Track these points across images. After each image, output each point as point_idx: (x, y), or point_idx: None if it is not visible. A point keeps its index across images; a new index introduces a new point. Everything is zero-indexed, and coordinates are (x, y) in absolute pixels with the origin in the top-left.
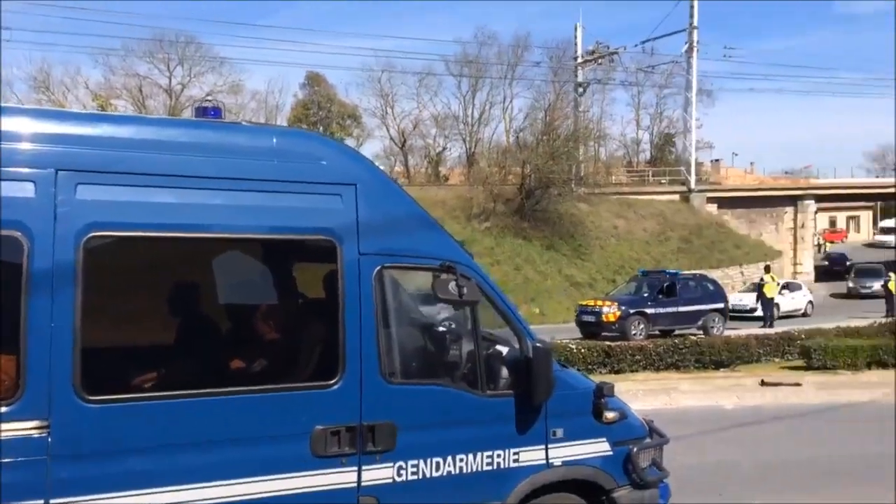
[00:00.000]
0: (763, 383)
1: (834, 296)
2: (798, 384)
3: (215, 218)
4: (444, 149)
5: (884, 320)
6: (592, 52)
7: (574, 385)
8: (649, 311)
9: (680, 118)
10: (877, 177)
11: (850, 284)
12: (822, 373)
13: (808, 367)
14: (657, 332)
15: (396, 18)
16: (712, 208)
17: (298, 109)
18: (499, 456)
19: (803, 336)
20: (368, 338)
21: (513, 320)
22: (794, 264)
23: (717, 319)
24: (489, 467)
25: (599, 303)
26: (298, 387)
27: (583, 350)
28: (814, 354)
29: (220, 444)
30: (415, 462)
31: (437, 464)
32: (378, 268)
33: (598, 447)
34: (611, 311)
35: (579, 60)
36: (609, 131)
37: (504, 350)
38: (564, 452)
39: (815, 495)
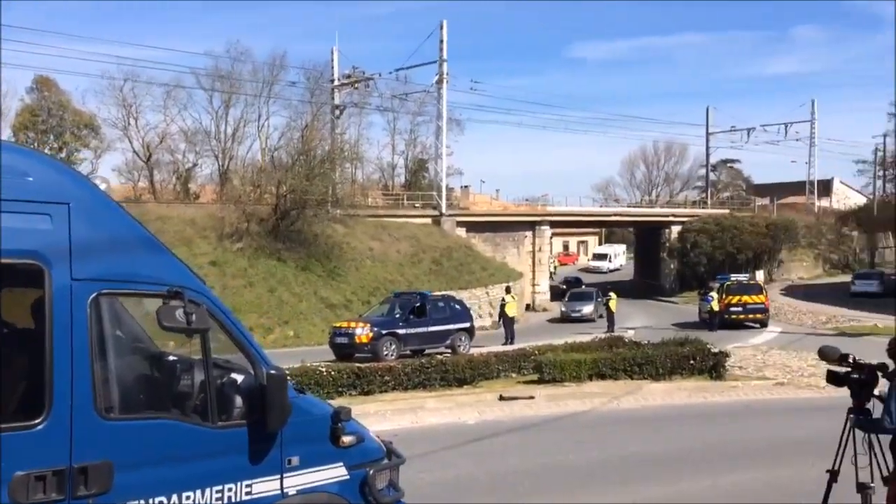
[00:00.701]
0: (501, 398)
1: (551, 321)
2: (532, 397)
3: None
4: (195, 165)
5: (604, 335)
6: (349, 77)
7: (310, 411)
8: (401, 331)
9: (432, 145)
10: (600, 206)
11: (563, 308)
12: (552, 385)
13: (540, 381)
14: (408, 353)
15: (141, 26)
16: (462, 232)
17: (25, 115)
18: (230, 490)
19: (537, 352)
20: (81, 371)
21: (247, 346)
22: (533, 285)
23: (463, 338)
24: (219, 503)
25: (353, 324)
26: None
27: (332, 373)
28: (545, 369)
29: None
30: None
31: (161, 503)
32: (94, 294)
33: (335, 472)
34: (363, 333)
35: (336, 83)
36: (366, 154)
37: (239, 378)
38: (300, 480)
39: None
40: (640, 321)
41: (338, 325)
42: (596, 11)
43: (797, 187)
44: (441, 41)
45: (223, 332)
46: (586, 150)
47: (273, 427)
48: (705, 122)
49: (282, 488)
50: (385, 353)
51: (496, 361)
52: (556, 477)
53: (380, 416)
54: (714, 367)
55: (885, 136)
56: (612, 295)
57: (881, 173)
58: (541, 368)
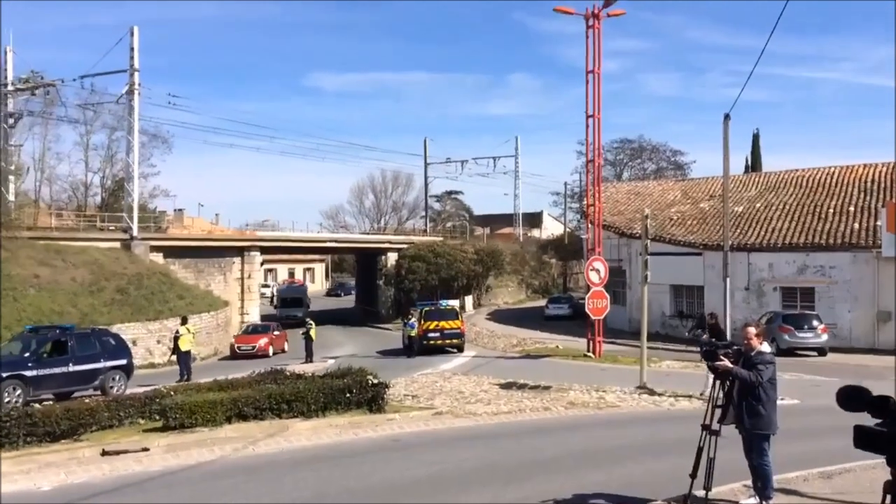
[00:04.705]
0: (104, 453)
1: None
2: (146, 449)
3: None
4: None
5: (300, 366)
6: (26, 81)
7: None
8: (30, 373)
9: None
10: (318, 232)
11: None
12: (181, 433)
13: (165, 428)
14: (48, 398)
15: None
16: (157, 257)
17: None
18: None
19: (172, 393)
20: None
21: None
22: (242, 314)
23: (117, 377)
24: None
25: None
26: None
27: None
28: (170, 413)
29: None
30: None
31: None
32: None
33: None
34: None
35: (9, 88)
36: (56, 170)
37: None
38: None
39: None
40: (348, 349)
41: None
42: (334, 45)
43: (513, 218)
44: (132, 49)
45: None
46: (319, 177)
47: None
48: (423, 153)
49: None
50: (7, 399)
51: (110, 408)
52: None
53: None
54: (373, 399)
55: (579, 173)
56: (311, 324)
57: (572, 206)
58: (165, 413)
